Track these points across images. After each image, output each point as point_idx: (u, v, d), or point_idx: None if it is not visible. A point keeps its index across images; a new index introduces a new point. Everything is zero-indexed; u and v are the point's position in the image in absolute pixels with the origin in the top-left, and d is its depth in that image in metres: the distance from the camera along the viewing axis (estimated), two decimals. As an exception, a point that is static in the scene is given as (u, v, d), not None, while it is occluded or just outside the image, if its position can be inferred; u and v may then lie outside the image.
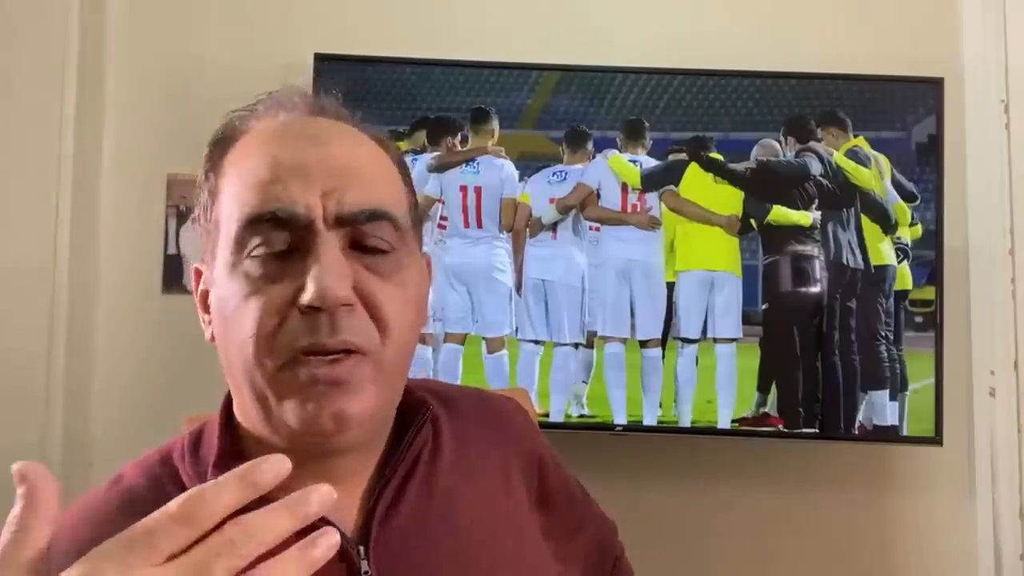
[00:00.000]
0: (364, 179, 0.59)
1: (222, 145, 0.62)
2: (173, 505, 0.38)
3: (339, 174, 0.57)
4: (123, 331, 1.84)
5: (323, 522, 0.58)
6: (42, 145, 1.76)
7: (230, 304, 0.57)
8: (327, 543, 0.39)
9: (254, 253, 0.56)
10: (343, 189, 0.57)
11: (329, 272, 0.54)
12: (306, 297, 0.54)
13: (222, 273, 0.58)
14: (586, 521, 0.83)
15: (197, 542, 0.37)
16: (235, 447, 0.61)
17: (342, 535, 0.58)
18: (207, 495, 0.38)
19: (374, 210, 0.58)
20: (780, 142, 1.70)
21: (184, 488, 0.59)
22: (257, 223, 0.56)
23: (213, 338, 0.61)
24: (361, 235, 0.58)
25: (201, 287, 0.63)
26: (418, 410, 0.67)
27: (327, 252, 0.55)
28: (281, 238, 0.56)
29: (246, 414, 0.61)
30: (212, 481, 0.39)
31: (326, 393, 0.55)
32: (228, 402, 0.64)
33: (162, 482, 0.61)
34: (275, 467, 0.39)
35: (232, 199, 0.58)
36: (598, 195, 1.72)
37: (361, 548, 0.60)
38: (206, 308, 0.62)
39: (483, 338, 1.71)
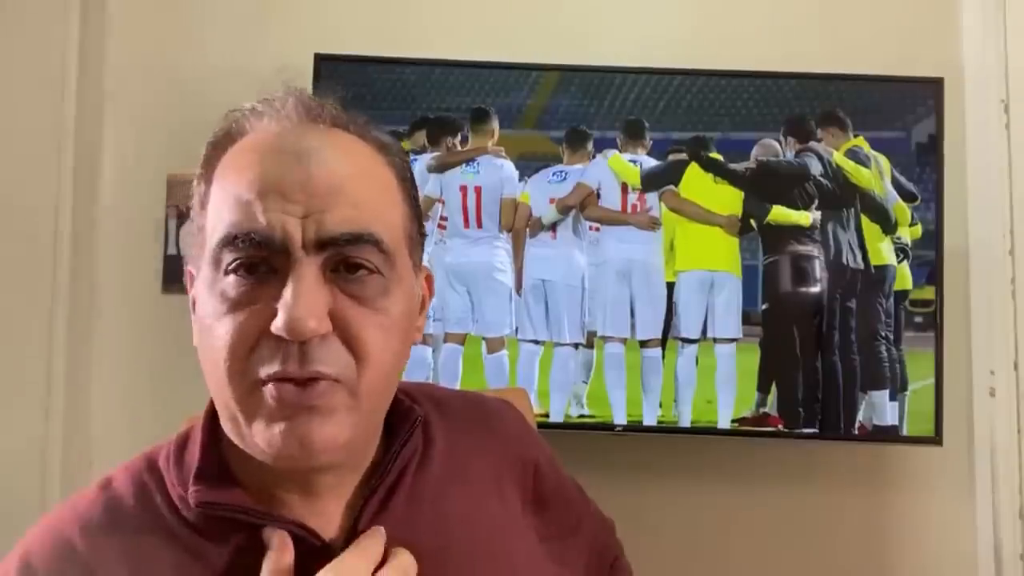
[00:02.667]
0: (349, 200, 0.56)
1: (216, 150, 0.61)
2: None
3: (322, 195, 0.55)
4: (123, 331, 1.84)
5: (307, 532, 0.58)
6: (42, 145, 1.77)
7: (207, 320, 0.56)
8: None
9: (231, 272, 0.55)
10: (324, 211, 0.55)
11: (300, 301, 0.53)
12: (275, 326, 0.53)
13: (202, 287, 0.57)
14: (583, 522, 0.82)
15: None
16: (218, 457, 0.61)
17: (324, 545, 0.59)
18: None
19: (357, 233, 0.56)
20: (780, 142, 1.70)
21: (169, 496, 0.60)
22: (234, 242, 0.54)
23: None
24: (343, 259, 0.56)
25: (192, 290, 0.62)
26: (407, 419, 0.66)
27: (301, 279, 0.53)
28: (258, 259, 0.55)
29: (225, 426, 0.60)
30: None
31: (294, 417, 0.54)
32: (212, 406, 0.63)
33: (149, 490, 0.61)
34: None
35: (215, 213, 0.57)
36: (598, 195, 1.72)
37: None
38: (194, 310, 0.61)
39: (483, 338, 1.71)
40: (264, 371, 0.54)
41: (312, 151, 0.57)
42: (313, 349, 0.53)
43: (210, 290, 0.56)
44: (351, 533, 0.60)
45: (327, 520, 0.61)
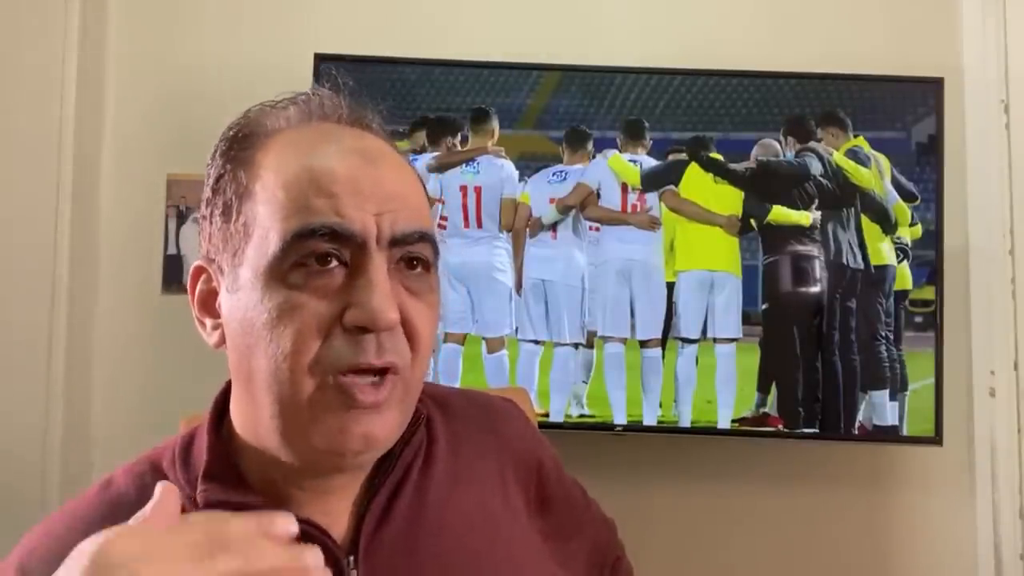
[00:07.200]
0: (411, 202, 0.60)
1: (247, 141, 0.60)
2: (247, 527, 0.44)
3: (391, 197, 0.58)
4: (123, 331, 1.84)
5: (315, 528, 0.58)
6: (42, 145, 1.76)
7: (263, 315, 0.55)
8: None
9: (299, 265, 0.55)
10: (395, 211, 0.58)
11: (382, 295, 0.55)
12: (359, 318, 0.55)
13: (253, 281, 0.56)
14: (585, 522, 0.82)
15: None
16: (226, 457, 0.61)
17: (333, 543, 0.59)
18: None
19: (422, 232, 0.59)
20: (780, 142, 1.70)
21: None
22: (313, 235, 0.55)
23: (221, 343, 0.60)
24: (406, 255, 0.59)
25: (202, 287, 0.61)
26: (411, 417, 0.66)
27: (379, 273, 0.56)
28: (330, 251, 0.56)
29: (253, 425, 0.59)
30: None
31: (359, 415, 0.56)
32: (218, 406, 0.64)
33: (151, 491, 0.61)
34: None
35: (275, 206, 0.57)
36: (598, 195, 1.72)
37: (351, 558, 0.60)
38: (206, 310, 0.61)
39: (483, 338, 1.71)
40: (340, 364, 0.55)
41: (379, 154, 0.61)
42: (385, 339, 0.56)
43: (269, 284, 0.56)
44: (356, 533, 0.61)
45: (334, 519, 0.61)
